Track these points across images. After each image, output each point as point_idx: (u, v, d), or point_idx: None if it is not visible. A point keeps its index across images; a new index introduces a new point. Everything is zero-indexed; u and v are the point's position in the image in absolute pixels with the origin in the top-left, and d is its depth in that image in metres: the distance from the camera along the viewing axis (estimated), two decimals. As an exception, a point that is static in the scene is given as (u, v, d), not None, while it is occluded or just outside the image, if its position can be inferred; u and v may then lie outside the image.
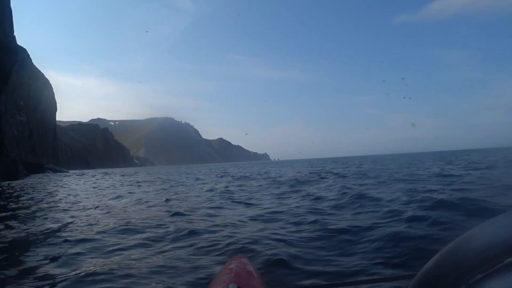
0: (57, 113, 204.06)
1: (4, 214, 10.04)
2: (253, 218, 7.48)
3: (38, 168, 71.32)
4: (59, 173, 74.14)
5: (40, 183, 30.11)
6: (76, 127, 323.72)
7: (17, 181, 35.07)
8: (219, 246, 5.12)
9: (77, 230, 6.96)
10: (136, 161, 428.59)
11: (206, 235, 5.88)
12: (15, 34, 55.91)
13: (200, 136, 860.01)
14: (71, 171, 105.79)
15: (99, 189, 19.90)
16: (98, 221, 8.01)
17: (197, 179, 27.17)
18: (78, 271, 4.25)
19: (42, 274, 4.31)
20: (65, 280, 3.97)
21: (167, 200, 11.78)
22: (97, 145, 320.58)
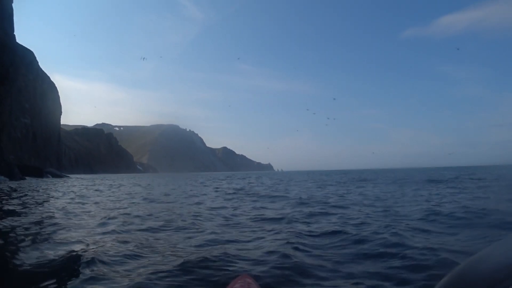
0: (62, 117, 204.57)
1: None
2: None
3: (37, 172, 69.94)
4: (58, 178, 72.76)
5: (21, 187, 30.71)
6: (81, 131, 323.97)
7: (6, 183, 34.89)
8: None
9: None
10: (139, 168, 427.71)
11: None
12: (15, 33, 55.26)
13: (204, 144, 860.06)
14: (73, 176, 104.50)
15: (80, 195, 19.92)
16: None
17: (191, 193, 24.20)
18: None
19: None
20: None
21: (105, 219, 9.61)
22: (101, 150, 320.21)
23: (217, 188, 26.85)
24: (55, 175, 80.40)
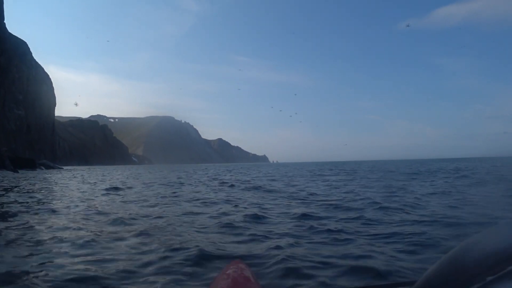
0: (57, 108, 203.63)
1: None
2: None
3: (30, 164, 69.65)
4: (51, 170, 72.52)
5: (6, 178, 31.29)
6: (75, 123, 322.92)
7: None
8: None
9: None
10: (134, 159, 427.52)
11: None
12: (7, 23, 54.59)
13: (200, 136, 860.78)
14: (67, 168, 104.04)
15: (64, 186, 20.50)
16: None
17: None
18: None
19: None
20: None
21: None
22: (96, 142, 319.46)
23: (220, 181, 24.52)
24: (48, 167, 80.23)
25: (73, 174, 43.37)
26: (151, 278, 3.94)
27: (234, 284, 1.98)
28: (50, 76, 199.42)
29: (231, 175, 34.03)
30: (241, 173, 42.00)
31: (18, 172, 48.49)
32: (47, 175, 41.71)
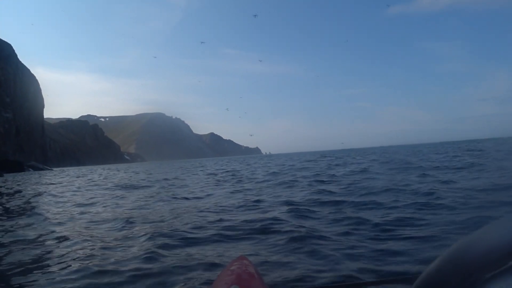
0: (46, 110, 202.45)
1: None
2: None
3: (18, 166, 69.35)
4: (40, 171, 72.30)
5: None
6: (65, 124, 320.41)
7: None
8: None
9: None
10: (127, 157, 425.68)
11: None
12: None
13: (191, 131, 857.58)
14: (58, 169, 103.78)
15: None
16: None
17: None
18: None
19: None
20: None
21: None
22: (87, 142, 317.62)
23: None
24: (37, 169, 79.86)
25: (63, 175, 42.68)
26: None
27: (238, 280, 2.05)
28: (37, 78, 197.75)
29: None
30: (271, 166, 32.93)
31: (2, 176, 48.19)
32: (27, 177, 41.27)
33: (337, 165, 25.25)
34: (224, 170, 28.25)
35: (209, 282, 3.53)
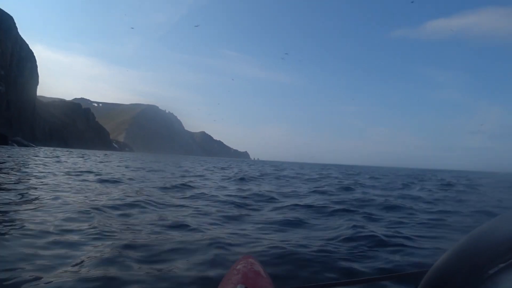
0: (40, 88, 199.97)
1: None
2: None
3: (2, 140, 68.03)
4: (25, 148, 71.01)
5: None
6: (57, 104, 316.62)
7: None
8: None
9: None
10: (115, 145, 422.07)
11: None
12: None
13: (183, 127, 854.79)
14: (44, 148, 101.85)
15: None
16: None
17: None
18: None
19: None
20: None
21: None
22: (77, 125, 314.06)
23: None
24: (21, 145, 78.64)
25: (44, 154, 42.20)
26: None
27: (245, 279, 2.03)
28: (36, 55, 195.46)
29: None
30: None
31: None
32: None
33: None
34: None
35: (215, 281, 3.30)
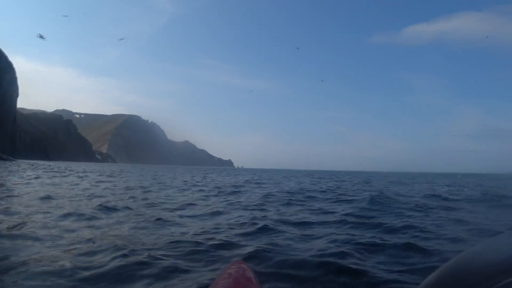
0: (21, 100, 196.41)
1: None
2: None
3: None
4: (2, 161, 69.68)
5: None
6: (39, 116, 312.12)
7: None
8: None
9: None
10: (98, 157, 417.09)
11: None
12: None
13: (166, 137, 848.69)
14: (25, 161, 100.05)
15: None
16: None
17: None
18: None
19: None
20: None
21: None
22: (59, 137, 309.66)
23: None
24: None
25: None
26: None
27: (235, 285, 2.04)
28: (16, 67, 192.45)
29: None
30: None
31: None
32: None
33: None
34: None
35: (204, 285, 3.43)
